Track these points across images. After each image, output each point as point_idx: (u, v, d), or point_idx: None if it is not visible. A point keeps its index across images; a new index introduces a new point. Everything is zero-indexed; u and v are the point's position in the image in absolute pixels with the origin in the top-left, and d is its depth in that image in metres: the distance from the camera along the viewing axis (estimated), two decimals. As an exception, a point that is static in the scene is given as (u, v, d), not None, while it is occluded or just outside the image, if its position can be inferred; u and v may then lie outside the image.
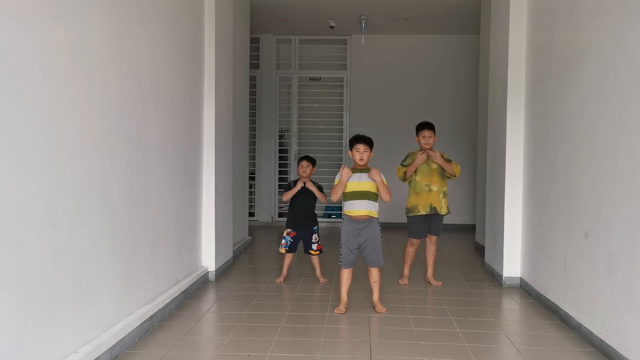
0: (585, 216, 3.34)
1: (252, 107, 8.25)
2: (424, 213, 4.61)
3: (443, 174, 4.65)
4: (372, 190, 3.85)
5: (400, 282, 4.73)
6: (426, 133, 4.66)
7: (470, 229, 7.93)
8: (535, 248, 4.28)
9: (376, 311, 3.83)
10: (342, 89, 8.70)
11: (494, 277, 4.92)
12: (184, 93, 4.17)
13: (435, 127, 4.71)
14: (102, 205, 2.79)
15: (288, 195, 4.74)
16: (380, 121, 8.44)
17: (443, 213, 4.65)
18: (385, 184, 3.87)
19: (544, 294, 4.03)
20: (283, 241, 4.80)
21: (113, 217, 2.92)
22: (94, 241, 2.71)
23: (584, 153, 3.40)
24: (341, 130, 8.69)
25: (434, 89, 8.52)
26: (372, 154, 3.91)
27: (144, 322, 3.28)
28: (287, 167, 8.73)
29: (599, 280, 3.12)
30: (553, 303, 3.84)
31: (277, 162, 8.70)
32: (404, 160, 4.74)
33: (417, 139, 4.74)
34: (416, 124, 4.78)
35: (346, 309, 3.85)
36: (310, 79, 8.80)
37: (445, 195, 4.65)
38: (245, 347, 3.12)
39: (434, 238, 4.76)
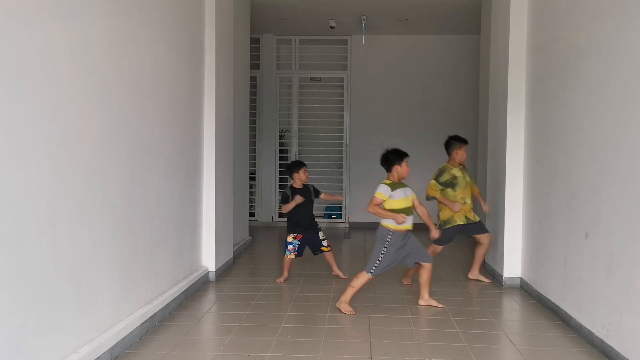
0: (586, 216, 3.33)
1: (253, 107, 8.25)
2: (461, 223, 4.71)
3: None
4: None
5: (403, 281, 4.73)
6: (465, 147, 4.77)
7: (471, 229, 7.91)
8: (536, 248, 4.28)
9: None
10: (343, 89, 8.70)
11: (495, 278, 4.91)
12: (184, 93, 4.17)
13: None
14: (102, 205, 2.79)
15: (288, 208, 4.72)
16: (381, 121, 8.44)
17: (477, 220, 4.79)
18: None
19: (544, 294, 4.03)
20: (290, 246, 4.74)
21: (113, 217, 2.92)
22: (94, 241, 2.71)
23: (584, 153, 3.40)
24: (341, 131, 8.68)
25: (434, 89, 8.52)
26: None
27: (144, 322, 3.28)
28: (287, 168, 8.72)
29: (599, 280, 3.12)
30: (553, 303, 3.83)
31: (278, 162, 8.69)
32: (440, 176, 4.73)
33: (456, 152, 4.75)
34: (453, 136, 4.82)
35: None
36: (311, 79, 8.80)
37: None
38: (246, 347, 3.12)
39: (488, 236, 4.83)
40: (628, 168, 2.83)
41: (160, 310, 3.52)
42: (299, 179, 4.81)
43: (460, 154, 4.76)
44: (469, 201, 4.74)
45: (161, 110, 3.64)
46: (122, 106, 3.03)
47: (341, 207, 8.59)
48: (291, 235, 4.76)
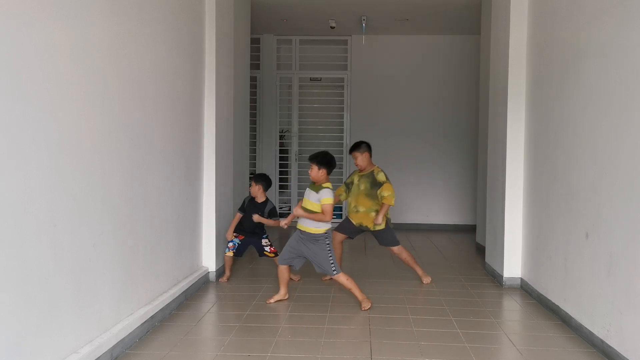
0: (586, 216, 3.33)
1: (253, 108, 8.25)
2: (353, 222, 4.72)
3: (372, 194, 4.63)
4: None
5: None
6: (354, 155, 4.73)
7: (471, 229, 7.93)
8: (536, 248, 4.28)
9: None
10: (343, 90, 8.70)
11: (495, 278, 4.91)
12: (185, 93, 4.17)
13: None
14: (102, 205, 2.79)
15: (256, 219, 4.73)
16: (381, 122, 8.44)
17: (377, 229, 4.66)
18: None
19: (544, 295, 4.03)
20: (230, 244, 4.81)
21: (113, 217, 2.92)
22: (94, 241, 2.71)
23: (584, 153, 3.40)
24: (341, 131, 8.68)
25: (435, 89, 8.52)
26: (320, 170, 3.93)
27: (145, 322, 3.28)
28: (287, 168, 8.73)
29: (600, 280, 3.11)
30: (553, 303, 3.83)
31: (278, 162, 8.69)
32: (349, 177, 4.85)
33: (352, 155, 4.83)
34: (359, 142, 4.82)
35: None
36: (311, 79, 8.80)
37: (376, 212, 4.63)
38: (246, 347, 3.12)
39: (394, 249, 4.77)
40: (628, 168, 2.83)
41: (160, 310, 3.52)
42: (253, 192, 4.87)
43: (355, 159, 4.74)
44: (362, 209, 4.63)
45: (161, 110, 3.64)
46: (122, 106, 3.03)
47: (341, 207, 8.58)
48: (234, 234, 4.84)
